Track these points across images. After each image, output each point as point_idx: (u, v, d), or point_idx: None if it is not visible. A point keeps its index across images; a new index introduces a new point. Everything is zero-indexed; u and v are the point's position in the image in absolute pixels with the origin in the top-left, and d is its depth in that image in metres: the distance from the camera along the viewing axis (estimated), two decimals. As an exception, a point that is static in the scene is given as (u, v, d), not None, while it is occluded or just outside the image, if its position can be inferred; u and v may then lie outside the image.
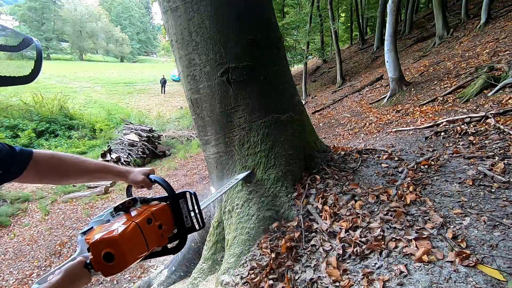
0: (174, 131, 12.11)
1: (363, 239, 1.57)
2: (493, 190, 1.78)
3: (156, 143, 10.00)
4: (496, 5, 9.94)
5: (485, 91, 4.31)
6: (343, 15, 25.37)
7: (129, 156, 8.91)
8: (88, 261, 0.69)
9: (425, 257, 1.36)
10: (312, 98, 13.14)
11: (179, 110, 15.84)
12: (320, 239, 1.68)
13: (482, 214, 1.58)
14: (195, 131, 7.55)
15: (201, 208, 0.98)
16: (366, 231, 1.63)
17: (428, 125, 3.70)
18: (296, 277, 1.53)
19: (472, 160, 2.24)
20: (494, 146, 2.42)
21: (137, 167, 1.12)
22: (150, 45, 69.76)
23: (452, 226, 1.54)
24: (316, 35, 16.52)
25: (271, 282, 1.56)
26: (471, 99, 4.34)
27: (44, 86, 16.66)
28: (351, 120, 6.70)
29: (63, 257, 4.68)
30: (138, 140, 9.37)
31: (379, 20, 14.51)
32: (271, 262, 1.63)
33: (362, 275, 1.39)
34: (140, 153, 9.13)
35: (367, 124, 5.72)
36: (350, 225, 1.69)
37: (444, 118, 3.72)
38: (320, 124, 7.76)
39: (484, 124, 3.02)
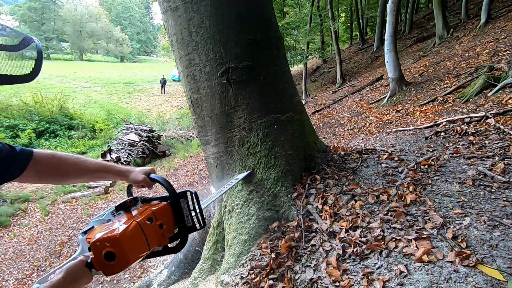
0: (174, 131, 12.11)
1: (363, 239, 1.57)
2: (493, 190, 1.78)
3: (156, 143, 10.00)
4: (496, 5, 9.94)
5: (485, 91, 4.31)
6: (343, 15, 25.38)
7: (129, 156, 8.91)
8: (89, 261, 0.69)
9: (425, 257, 1.36)
10: (312, 98, 13.14)
11: (179, 110, 15.84)
12: (320, 239, 1.68)
13: (482, 214, 1.58)
14: (195, 131, 7.56)
15: (202, 207, 0.98)
16: (366, 231, 1.63)
17: (428, 125, 3.70)
18: (296, 277, 1.53)
19: (472, 160, 2.24)
20: (494, 146, 2.42)
21: (137, 167, 1.12)
22: (150, 45, 69.77)
23: (452, 226, 1.54)
24: (316, 35, 16.53)
25: (271, 282, 1.56)
26: (471, 99, 4.34)
27: (44, 86, 16.67)
28: (351, 120, 6.70)
29: (63, 257, 4.69)
30: (138, 140, 9.37)
31: (379, 20, 14.51)
32: (271, 262, 1.64)
33: (362, 275, 1.39)
34: (140, 153, 9.13)
35: (367, 124, 5.72)
36: (350, 225, 1.69)
37: (444, 118, 3.72)
38: (320, 124, 7.76)
39: (484, 124, 3.02)
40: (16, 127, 10.61)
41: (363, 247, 1.52)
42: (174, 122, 13.81)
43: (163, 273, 2.79)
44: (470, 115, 3.40)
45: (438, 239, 1.47)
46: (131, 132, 9.76)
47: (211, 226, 2.29)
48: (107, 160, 8.46)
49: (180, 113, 15.15)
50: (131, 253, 0.69)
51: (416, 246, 1.44)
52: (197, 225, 0.91)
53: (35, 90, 12.93)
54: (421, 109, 4.93)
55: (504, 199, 1.67)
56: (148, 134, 9.80)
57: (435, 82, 5.99)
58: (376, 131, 4.90)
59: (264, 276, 1.60)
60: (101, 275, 0.70)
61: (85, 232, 0.76)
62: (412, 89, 6.28)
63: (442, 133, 3.16)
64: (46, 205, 6.72)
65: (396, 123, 4.87)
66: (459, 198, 1.77)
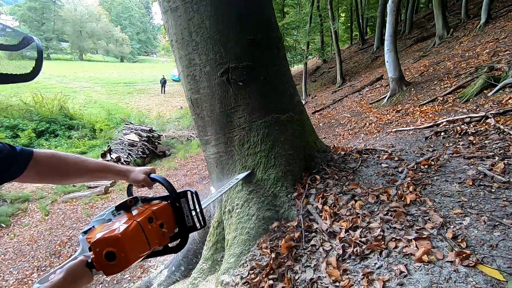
0: (174, 131, 12.11)
1: (363, 239, 1.57)
2: (493, 190, 1.78)
3: (156, 143, 10.00)
4: (496, 5, 9.94)
5: (485, 91, 4.31)
6: (343, 15, 25.38)
7: (129, 156, 8.92)
8: (89, 260, 0.69)
9: (425, 257, 1.36)
10: (312, 98, 13.14)
11: (179, 110, 15.84)
12: (320, 239, 1.68)
13: (482, 214, 1.58)
14: (195, 131, 7.55)
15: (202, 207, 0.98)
16: (366, 231, 1.63)
17: (428, 125, 3.70)
18: (296, 277, 1.53)
19: (472, 160, 2.24)
20: (494, 146, 2.42)
21: (137, 167, 1.12)
22: (150, 45, 69.77)
23: (452, 226, 1.54)
24: (316, 35, 16.53)
25: (271, 282, 1.56)
26: (471, 99, 4.34)
27: (44, 86, 16.66)
28: (351, 120, 6.70)
29: (63, 257, 4.69)
30: (138, 140, 9.37)
31: (379, 20, 14.51)
32: (271, 262, 1.64)
33: (362, 275, 1.39)
34: (140, 153, 9.13)
35: (367, 124, 5.72)
36: (350, 225, 1.69)
37: (444, 118, 3.72)
38: (320, 124, 7.76)
39: (484, 124, 3.02)
40: (16, 127, 10.62)
41: (363, 247, 1.52)
42: (174, 122, 13.81)
43: (163, 273, 2.79)
44: (470, 115, 3.40)
45: (438, 239, 1.47)
46: (131, 132, 9.76)
47: (211, 226, 2.29)
48: (107, 160, 8.47)
49: (180, 113, 15.15)
50: (132, 253, 0.69)
51: (416, 246, 1.44)
52: (198, 225, 0.91)
53: (35, 90, 12.94)
54: (421, 109, 4.93)
55: (504, 199, 1.67)
56: (148, 134, 9.80)
57: (435, 82, 5.99)
58: (376, 131, 4.90)
59: (264, 276, 1.60)
60: (101, 275, 0.70)
61: (85, 232, 0.76)
62: (412, 89, 6.28)
63: (442, 133, 3.16)
64: (46, 205, 6.72)
65: (396, 123, 4.87)
66: (459, 198, 1.77)
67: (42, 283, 0.65)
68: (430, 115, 4.40)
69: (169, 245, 0.86)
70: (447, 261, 1.32)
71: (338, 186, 2.05)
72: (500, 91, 4.06)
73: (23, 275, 4.37)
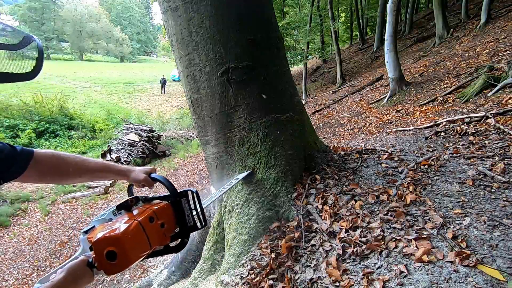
0: (174, 131, 12.11)
1: (363, 239, 1.57)
2: (493, 190, 1.78)
3: (156, 143, 10.00)
4: (496, 5, 9.94)
5: (485, 91, 4.31)
6: (343, 15, 25.37)
7: (129, 156, 8.92)
8: (90, 260, 0.69)
9: (425, 257, 1.36)
10: (312, 98, 13.14)
11: (179, 110, 15.84)
12: (320, 239, 1.68)
13: (482, 214, 1.58)
14: (195, 131, 7.56)
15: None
16: (366, 231, 1.63)
17: (428, 125, 3.70)
18: (296, 277, 1.53)
19: (472, 160, 2.24)
20: (494, 146, 2.42)
21: (137, 166, 1.12)
22: (150, 45, 69.76)
23: (452, 226, 1.54)
24: (316, 35, 16.53)
25: (271, 282, 1.56)
26: (471, 99, 4.34)
27: (44, 86, 16.66)
28: (351, 120, 6.71)
29: (63, 257, 4.69)
30: (138, 140, 9.37)
31: (379, 20, 14.51)
32: (271, 262, 1.64)
33: (362, 275, 1.39)
34: (140, 153, 9.13)
35: (367, 124, 5.72)
36: (350, 225, 1.69)
37: (444, 118, 3.72)
38: (320, 124, 7.76)
39: (484, 124, 3.02)
40: (16, 127, 10.62)
41: (363, 247, 1.52)
42: (174, 122, 13.81)
43: (163, 273, 2.79)
44: (470, 115, 3.40)
45: (438, 239, 1.47)
46: (131, 132, 9.76)
47: (211, 226, 2.29)
48: (107, 160, 8.47)
49: (180, 113, 15.15)
50: (133, 252, 0.69)
51: (416, 246, 1.44)
52: (198, 224, 0.91)
53: (35, 90, 12.94)
54: (421, 109, 4.93)
55: (504, 199, 1.68)
56: (148, 134, 9.80)
57: (435, 82, 5.99)
58: (376, 131, 4.90)
59: (264, 276, 1.61)
60: (102, 275, 0.70)
61: (86, 232, 0.76)
62: (412, 89, 6.29)
63: (442, 133, 3.16)
64: (46, 205, 6.72)
65: (396, 123, 4.87)
66: (459, 198, 1.78)
67: (42, 283, 0.65)
68: (430, 115, 4.40)
69: (170, 244, 0.86)
70: (447, 261, 1.32)
71: (338, 186, 2.05)
72: (500, 91, 4.06)
73: (23, 275, 4.37)
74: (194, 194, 0.93)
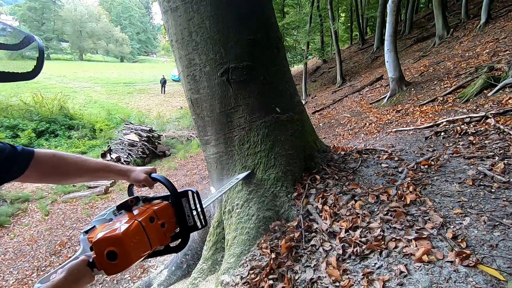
0: (174, 131, 12.11)
1: (363, 239, 1.57)
2: (493, 190, 1.78)
3: (156, 143, 10.00)
4: (496, 5, 9.95)
5: (485, 91, 4.31)
6: (343, 15, 25.37)
7: (129, 156, 8.92)
8: (91, 260, 0.69)
9: (425, 257, 1.36)
10: (312, 98, 13.14)
11: (179, 110, 15.84)
12: (320, 239, 1.68)
13: (482, 214, 1.58)
14: (195, 131, 7.56)
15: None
16: (366, 231, 1.63)
17: (428, 125, 3.70)
18: (296, 277, 1.53)
19: (472, 160, 2.24)
20: (494, 146, 2.42)
21: (137, 166, 1.12)
22: (150, 45, 69.76)
23: (452, 226, 1.54)
24: (316, 35, 16.53)
25: (271, 282, 1.56)
26: (471, 99, 4.34)
27: (44, 86, 16.67)
28: (351, 120, 6.71)
29: (63, 257, 4.69)
30: (138, 140, 9.37)
31: (379, 20, 14.51)
32: (271, 262, 1.64)
33: (362, 275, 1.39)
34: (140, 153, 9.13)
35: (367, 124, 5.73)
36: (350, 225, 1.69)
37: (444, 118, 3.72)
38: (320, 124, 7.76)
39: (484, 124, 3.02)
40: (16, 127, 10.62)
41: (363, 247, 1.52)
42: (174, 122, 13.81)
43: (163, 273, 2.79)
44: (470, 115, 3.40)
45: (438, 239, 1.47)
46: (131, 132, 9.76)
47: (211, 226, 2.29)
48: (107, 160, 8.47)
49: (180, 113, 15.15)
50: (133, 252, 0.69)
51: (416, 246, 1.44)
52: (199, 224, 0.91)
53: (35, 90, 12.94)
54: (421, 109, 4.93)
55: (504, 199, 1.68)
56: (148, 134, 9.80)
57: (435, 82, 5.99)
58: (376, 131, 4.90)
59: (264, 276, 1.61)
60: (102, 275, 0.70)
61: (86, 232, 0.76)
62: (412, 89, 6.29)
63: (442, 133, 3.16)
64: (46, 205, 6.72)
65: (396, 123, 4.87)
66: (459, 198, 1.78)
67: (43, 283, 0.65)
68: (430, 115, 4.40)
69: (170, 244, 0.86)
70: (447, 261, 1.32)
71: (338, 186, 2.05)
72: (500, 91, 4.06)
73: (23, 275, 4.37)
74: (195, 194, 0.93)
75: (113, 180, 7.37)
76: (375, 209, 1.79)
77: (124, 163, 8.54)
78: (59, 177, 0.87)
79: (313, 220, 1.84)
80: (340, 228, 1.69)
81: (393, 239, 1.53)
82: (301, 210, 1.88)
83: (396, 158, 2.52)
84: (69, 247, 4.95)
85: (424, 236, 1.49)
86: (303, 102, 8.27)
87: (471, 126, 3.07)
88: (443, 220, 1.58)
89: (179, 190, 0.89)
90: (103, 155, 8.96)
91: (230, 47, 1.93)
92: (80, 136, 11.36)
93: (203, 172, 7.56)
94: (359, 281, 1.37)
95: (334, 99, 10.25)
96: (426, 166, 2.28)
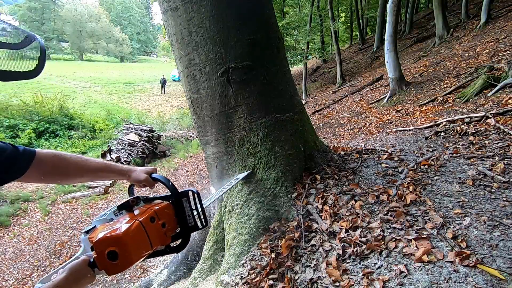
0: (174, 131, 12.11)
1: (363, 239, 1.57)
2: (493, 190, 1.78)
3: (156, 143, 10.00)
4: (496, 5, 9.95)
5: (485, 91, 4.31)
6: (343, 15, 25.36)
7: (129, 156, 8.92)
8: (92, 260, 0.69)
9: (425, 257, 1.36)
10: (312, 98, 13.14)
11: (179, 110, 15.84)
12: (320, 239, 1.68)
13: (482, 214, 1.58)
14: (195, 131, 7.55)
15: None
16: (366, 231, 1.63)
17: (428, 125, 3.71)
18: (296, 277, 1.54)
19: (472, 160, 2.24)
20: (494, 146, 2.42)
21: (138, 166, 1.12)
22: (150, 45, 69.75)
23: (452, 226, 1.54)
24: (316, 35, 16.52)
25: (271, 282, 1.56)
26: (471, 99, 4.34)
27: (44, 86, 16.67)
28: (351, 120, 6.71)
29: (63, 257, 4.69)
30: (138, 140, 9.37)
31: (379, 20, 14.51)
32: (271, 262, 1.64)
33: (362, 275, 1.39)
34: (140, 153, 9.13)
35: (367, 124, 5.73)
36: (350, 225, 1.69)
37: (444, 118, 3.73)
38: (320, 124, 7.76)
39: (484, 124, 3.02)
40: (16, 127, 10.62)
41: (363, 247, 1.52)
42: (174, 122, 13.81)
43: (163, 273, 2.79)
44: (470, 115, 3.41)
45: (438, 239, 1.47)
46: (131, 132, 9.76)
47: (211, 226, 2.30)
48: (108, 160, 8.47)
49: (180, 113, 15.15)
50: (134, 252, 0.69)
51: (416, 246, 1.44)
52: (199, 225, 0.91)
53: (35, 90, 12.95)
54: (421, 109, 4.93)
55: (504, 199, 1.68)
56: (148, 134, 9.80)
57: (435, 82, 5.99)
58: (376, 131, 4.91)
59: (264, 276, 1.61)
60: (103, 275, 0.70)
61: (87, 232, 0.76)
62: (412, 89, 6.29)
63: (442, 133, 3.16)
64: (46, 205, 6.72)
65: (396, 123, 4.88)
66: (459, 198, 1.78)
67: (44, 283, 0.65)
68: (430, 115, 4.40)
69: (171, 244, 0.87)
70: (447, 261, 1.33)
71: (338, 186, 2.06)
72: (500, 91, 4.06)
73: (23, 275, 4.37)
74: (195, 194, 0.93)
75: (113, 180, 7.37)
76: (375, 209, 1.79)
77: (124, 163, 8.54)
78: (60, 177, 0.87)
79: (313, 220, 1.84)
80: (340, 228, 1.69)
81: (393, 239, 1.53)
82: (301, 210, 1.88)
83: (396, 158, 2.52)
84: (69, 247, 4.95)
85: (424, 236, 1.49)
86: (303, 102, 8.27)
87: (471, 126, 3.07)
88: (443, 220, 1.58)
89: (179, 190, 0.89)
90: (103, 155, 8.96)
91: (230, 47, 1.93)
92: (80, 136, 11.36)
93: (203, 172, 7.56)
94: (359, 281, 1.37)
95: (334, 99, 10.25)
96: (426, 166, 2.29)
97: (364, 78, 11.23)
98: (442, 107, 4.59)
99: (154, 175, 0.96)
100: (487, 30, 7.99)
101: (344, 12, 24.72)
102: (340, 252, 1.54)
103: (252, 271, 1.68)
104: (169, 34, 2.11)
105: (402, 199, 1.83)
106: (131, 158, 8.86)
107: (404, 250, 1.44)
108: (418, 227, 1.57)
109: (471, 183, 1.90)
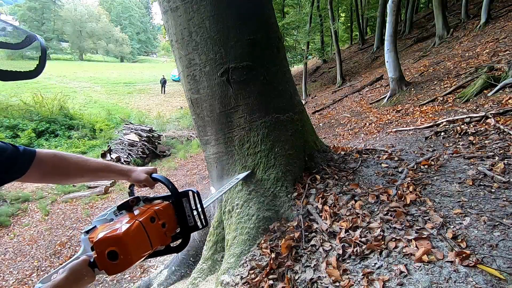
0: (174, 131, 12.11)
1: (363, 239, 1.57)
2: (493, 190, 1.79)
3: (156, 143, 10.01)
4: (496, 5, 9.95)
5: (485, 91, 4.31)
6: (343, 15, 25.36)
7: (129, 156, 8.92)
8: (92, 260, 0.69)
9: (425, 257, 1.36)
10: (312, 98, 13.14)
11: (179, 110, 15.84)
12: (320, 239, 1.69)
13: (482, 214, 1.58)
14: (195, 131, 7.55)
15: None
16: (366, 231, 1.63)
17: (428, 125, 3.71)
18: (296, 277, 1.54)
19: (472, 160, 2.24)
20: (494, 146, 2.42)
21: (138, 166, 1.12)
22: (150, 45, 69.74)
23: (452, 226, 1.54)
24: (316, 35, 16.52)
25: (271, 282, 1.56)
26: (471, 99, 4.34)
27: (44, 86, 16.67)
28: (351, 120, 6.71)
29: (63, 257, 4.69)
30: (138, 140, 9.37)
31: (379, 20, 14.51)
32: (271, 262, 1.64)
33: (362, 275, 1.39)
34: (140, 153, 9.13)
35: (367, 124, 5.73)
36: (350, 225, 1.69)
37: (444, 118, 3.73)
38: (320, 124, 7.76)
39: (484, 124, 3.02)
40: (16, 127, 10.62)
41: (363, 247, 1.52)
42: (174, 122, 13.81)
43: (163, 273, 2.79)
44: (470, 115, 3.41)
45: (438, 239, 1.47)
46: (131, 132, 9.76)
47: (211, 226, 2.30)
48: (108, 160, 8.47)
49: (180, 113, 15.15)
50: (134, 252, 0.69)
51: (416, 246, 1.44)
52: (199, 225, 0.91)
53: (35, 90, 12.94)
54: (421, 109, 4.93)
55: (504, 199, 1.68)
56: (148, 134, 9.80)
57: (435, 82, 5.99)
58: (376, 131, 4.91)
59: (264, 276, 1.61)
60: (103, 275, 0.70)
61: (87, 232, 0.76)
62: (412, 89, 6.29)
63: (442, 133, 3.16)
64: (46, 205, 6.72)
65: (396, 123, 4.88)
66: (459, 198, 1.78)
67: (44, 283, 0.65)
68: (430, 115, 4.40)
69: (171, 244, 0.87)
70: (447, 261, 1.33)
71: (338, 186, 2.06)
72: (500, 91, 4.06)
73: (23, 275, 4.37)
74: (195, 194, 0.93)
75: (113, 180, 7.37)
76: (375, 209, 1.79)
77: (124, 163, 8.54)
78: (60, 177, 0.87)
79: (313, 220, 1.84)
80: (340, 228, 1.69)
81: (393, 239, 1.53)
82: (301, 210, 1.88)
83: (396, 158, 2.53)
84: (69, 247, 4.95)
85: (424, 236, 1.49)
86: (303, 102, 8.27)
87: (471, 126, 3.07)
88: (443, 220, 1.58)
89: (179, 190, 0.89)
90: (103, 155, 8.96)
91: (230, 47, 1.93)
92: (80, 136, 11.37)
93: (203, 172, 7.56)
94: (359, 281, 1.37)
95: (334, 99, 10.25)
96: (426, 166, 2.29)
97: (364, 78, 11.23)
98: (442, 107, 4.59)
99: (154, 175, 0.96)
100: (487, 30, 7.99)
101: (344, 12, 24.72)
102: (340, 252, 1.55)
103: (252, 271, 1.68)
104: (169, 34, 2.11)
105: (402, 199, 1.83)
106: (131, 158, 8.86)
107: (404, 250, 1.44)
108: (418, 227, 1.57)
109: (471, 183, 1.90)
